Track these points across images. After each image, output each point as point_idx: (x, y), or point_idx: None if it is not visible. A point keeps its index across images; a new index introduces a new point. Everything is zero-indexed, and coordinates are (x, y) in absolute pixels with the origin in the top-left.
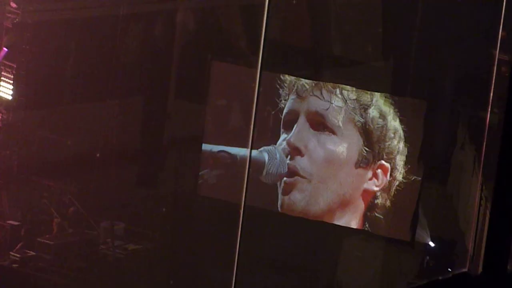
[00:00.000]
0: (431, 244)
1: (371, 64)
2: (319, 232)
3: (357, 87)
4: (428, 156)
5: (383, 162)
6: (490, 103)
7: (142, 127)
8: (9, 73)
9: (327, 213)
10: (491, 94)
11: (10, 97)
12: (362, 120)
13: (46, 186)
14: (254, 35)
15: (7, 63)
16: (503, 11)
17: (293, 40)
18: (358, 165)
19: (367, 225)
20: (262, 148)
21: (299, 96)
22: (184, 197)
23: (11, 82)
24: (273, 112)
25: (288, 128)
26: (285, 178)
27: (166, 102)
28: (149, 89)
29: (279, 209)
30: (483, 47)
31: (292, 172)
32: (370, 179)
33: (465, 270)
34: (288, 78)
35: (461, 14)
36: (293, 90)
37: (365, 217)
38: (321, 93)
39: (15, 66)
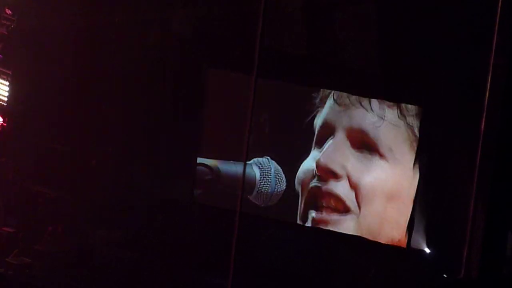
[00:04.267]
0: (427, 250)
1: (366, 70)
2: (315, 238)
3: (352, 94)
4: (423, 161)
5: None
6: (486, 108)
7: (137, 135)
8: (4, 79)
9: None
10: (486, 100)
11: (5, 104)
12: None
13: (42, 193)
14: (250, 43)
15: (2, 69)
16: (498, 17)
17: (289, 47)
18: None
19: None
20: (252, 161)
21: (339, 104)
22: (177, 205)
23: (7, 89)
24: (303, 125)
25: (321, 144)
26: (314, 214)
27: (162, 110)
28: (145, 97)
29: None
30: (478, 53)
31: (327, 201)
32: None
33: (460, 275)
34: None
35: (456, 20)
36: (330, 96)
37: None
38: (370, 104)
39: (10, 72)
